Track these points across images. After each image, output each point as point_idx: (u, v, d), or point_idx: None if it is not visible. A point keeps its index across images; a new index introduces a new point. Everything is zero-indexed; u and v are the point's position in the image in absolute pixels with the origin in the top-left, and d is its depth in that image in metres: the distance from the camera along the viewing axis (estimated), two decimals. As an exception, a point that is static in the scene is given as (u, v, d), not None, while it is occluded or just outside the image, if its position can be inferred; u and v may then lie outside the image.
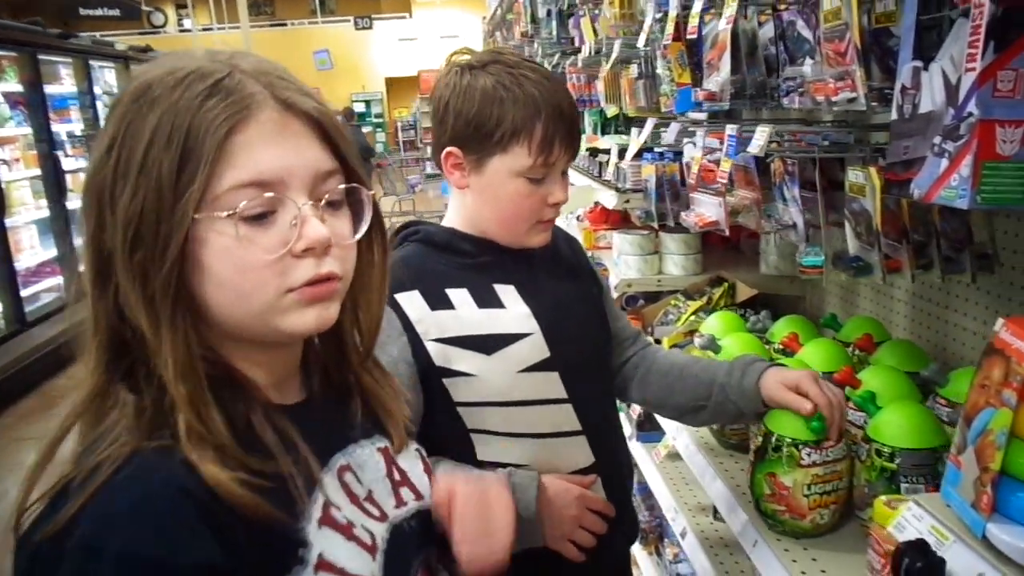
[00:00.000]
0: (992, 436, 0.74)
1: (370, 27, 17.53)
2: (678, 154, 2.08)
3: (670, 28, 1.92)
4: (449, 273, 1.26)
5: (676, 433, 1.76)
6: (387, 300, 0.87)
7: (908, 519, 0.86)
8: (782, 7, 1.48)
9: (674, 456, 1.95)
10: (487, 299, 1.26)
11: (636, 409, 2.28)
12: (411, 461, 0.90)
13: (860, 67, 1.13)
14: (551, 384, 1.27)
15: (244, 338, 0.74)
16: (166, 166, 0.67)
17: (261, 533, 0.66)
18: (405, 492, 0.86)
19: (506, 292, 1.27)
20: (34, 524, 0.64)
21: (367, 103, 21.30)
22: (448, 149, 1.23)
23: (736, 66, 1.58)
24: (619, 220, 2.45)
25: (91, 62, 7.08)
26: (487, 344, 1.23)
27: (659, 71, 1.97)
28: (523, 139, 1.18)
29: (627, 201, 2.28)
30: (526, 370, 1.24)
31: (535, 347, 1.25)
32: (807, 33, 1.43)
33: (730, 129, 1.44)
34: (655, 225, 2.15)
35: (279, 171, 0.70)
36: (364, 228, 0.78)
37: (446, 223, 1.33)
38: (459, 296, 1.24)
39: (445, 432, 1.22)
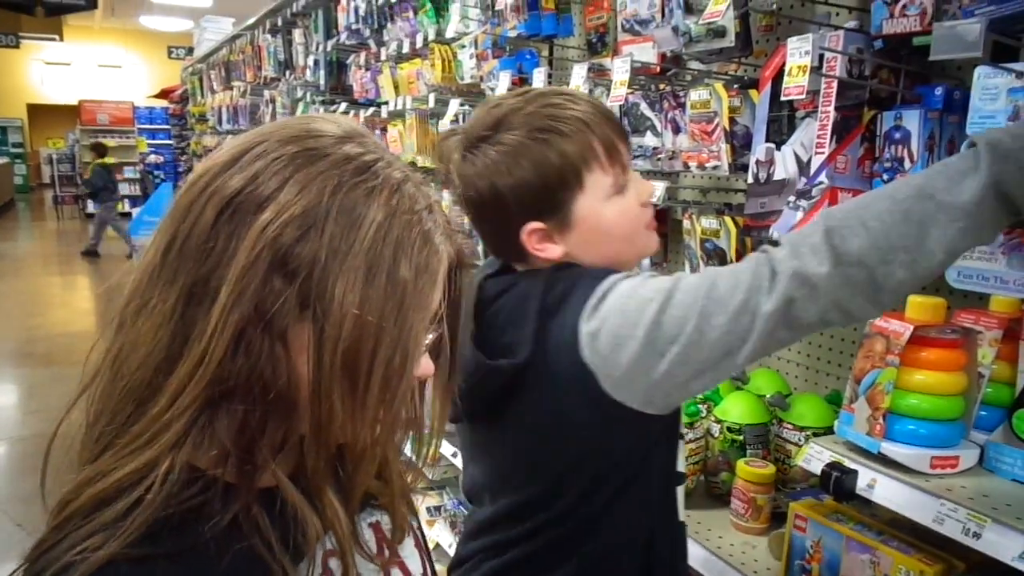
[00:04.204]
0: (881, 387, 1.15)
1: (16, 45, 15.44)
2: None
3: (502, 92, 2.26)
4: None
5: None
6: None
7: (812, 454, 1.25)
8: (628, 91, 1.89)
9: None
10: None
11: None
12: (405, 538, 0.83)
13: (728, 144, 1.56)
14: None
15: None
16: (416, 288, 0.65)
17: None
18: (395, 573, 0.80)
19: None
20: None
21: (3, 129, 18.64)
22: (527, 228, 1.08)
23: (587, 133, 1.96)
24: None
25: None
26: None
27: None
28: (591, 162, 1.08)
29: (449, 242, 2.54)
30: None
31: None
32: (649, 113, 1.86)
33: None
34: (480, 263, 2.43)
35: None
36: None
37: None
38: None
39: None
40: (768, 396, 1.70)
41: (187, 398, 0.61)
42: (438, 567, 2.86)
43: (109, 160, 11.06)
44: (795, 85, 1.30)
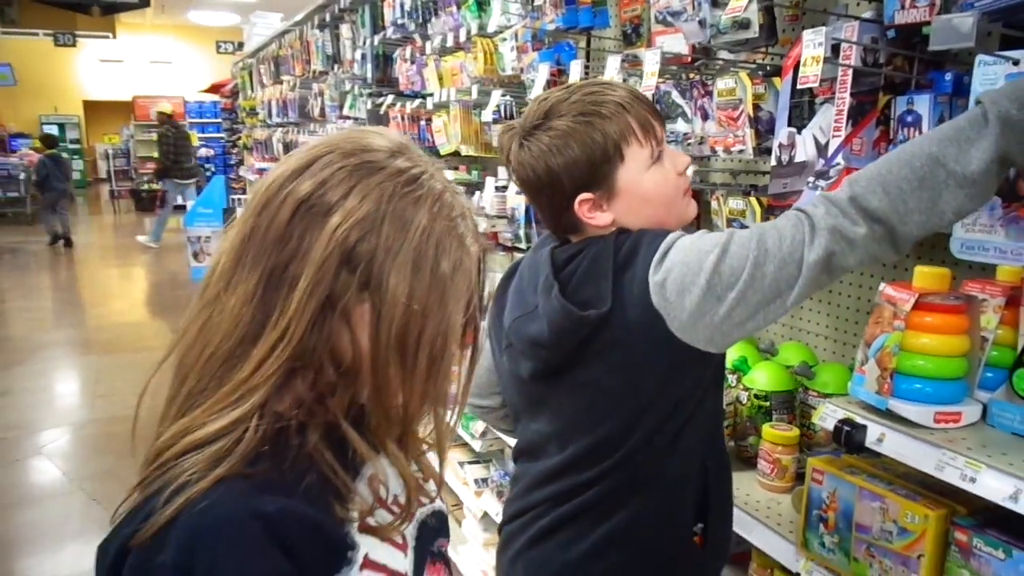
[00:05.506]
0: (889, 349, 1.26)
1: (73, 44, 16.00)
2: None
3: (541, 83, 2.39)
4: None
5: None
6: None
7: (827, 413, 1.36)
8: (660, 80, 2.01)
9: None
10: None
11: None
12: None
13: (752, 129, 1.67)
14: None
15: None
16: (454, 281, 0.78)
17: (322, 541, 0.75)
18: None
19: None
20: (127, 519, 0.71)
21: (61, 126, 19.27)
22: (579, 199, 1.25)
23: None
24: (479, 243, 2.86)
25: None
26: None
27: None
28: (629, 138, 1.24)
29: (493, 226, 2.69)
30: None
31: None
32: (680, 101, 1.97)
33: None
34: (523, 246, 2.57)
35: None
36: None
37: None
38: None
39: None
40: (794, 366, 1.81)
41: (271, 367, 0.74)
42: (486, 536, 3.03)
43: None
44: (810, 74, 1.40)
